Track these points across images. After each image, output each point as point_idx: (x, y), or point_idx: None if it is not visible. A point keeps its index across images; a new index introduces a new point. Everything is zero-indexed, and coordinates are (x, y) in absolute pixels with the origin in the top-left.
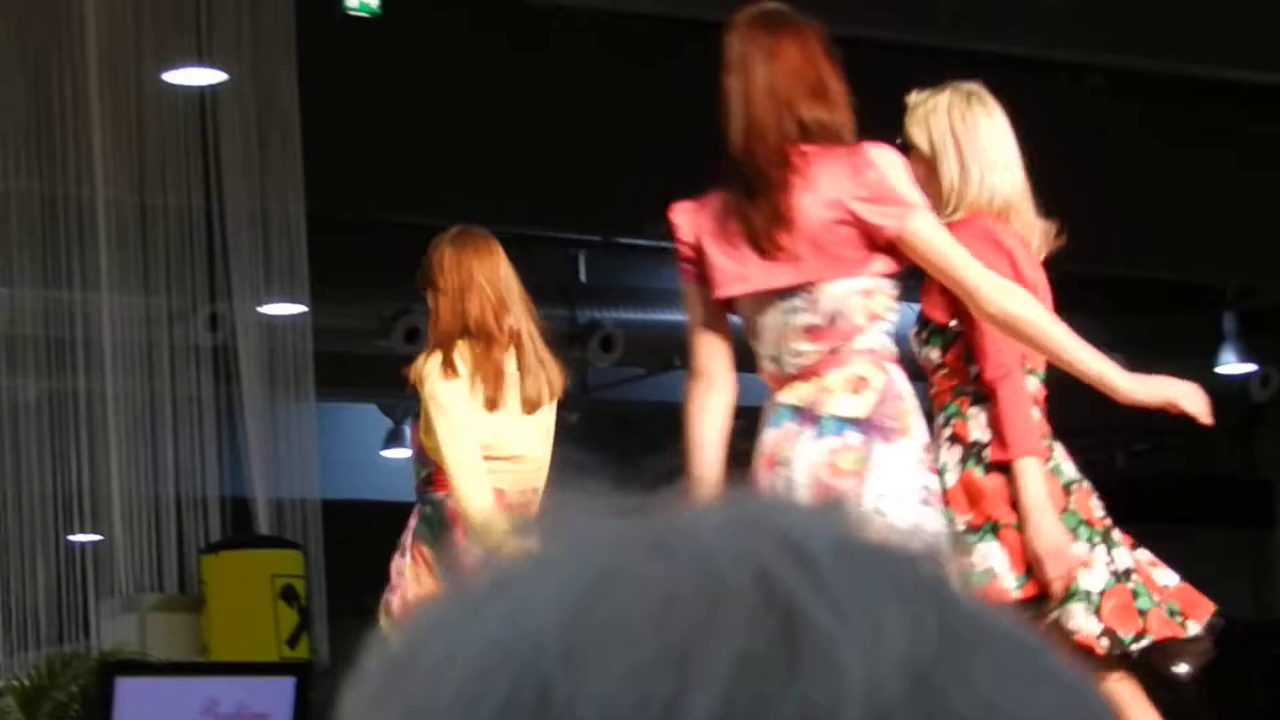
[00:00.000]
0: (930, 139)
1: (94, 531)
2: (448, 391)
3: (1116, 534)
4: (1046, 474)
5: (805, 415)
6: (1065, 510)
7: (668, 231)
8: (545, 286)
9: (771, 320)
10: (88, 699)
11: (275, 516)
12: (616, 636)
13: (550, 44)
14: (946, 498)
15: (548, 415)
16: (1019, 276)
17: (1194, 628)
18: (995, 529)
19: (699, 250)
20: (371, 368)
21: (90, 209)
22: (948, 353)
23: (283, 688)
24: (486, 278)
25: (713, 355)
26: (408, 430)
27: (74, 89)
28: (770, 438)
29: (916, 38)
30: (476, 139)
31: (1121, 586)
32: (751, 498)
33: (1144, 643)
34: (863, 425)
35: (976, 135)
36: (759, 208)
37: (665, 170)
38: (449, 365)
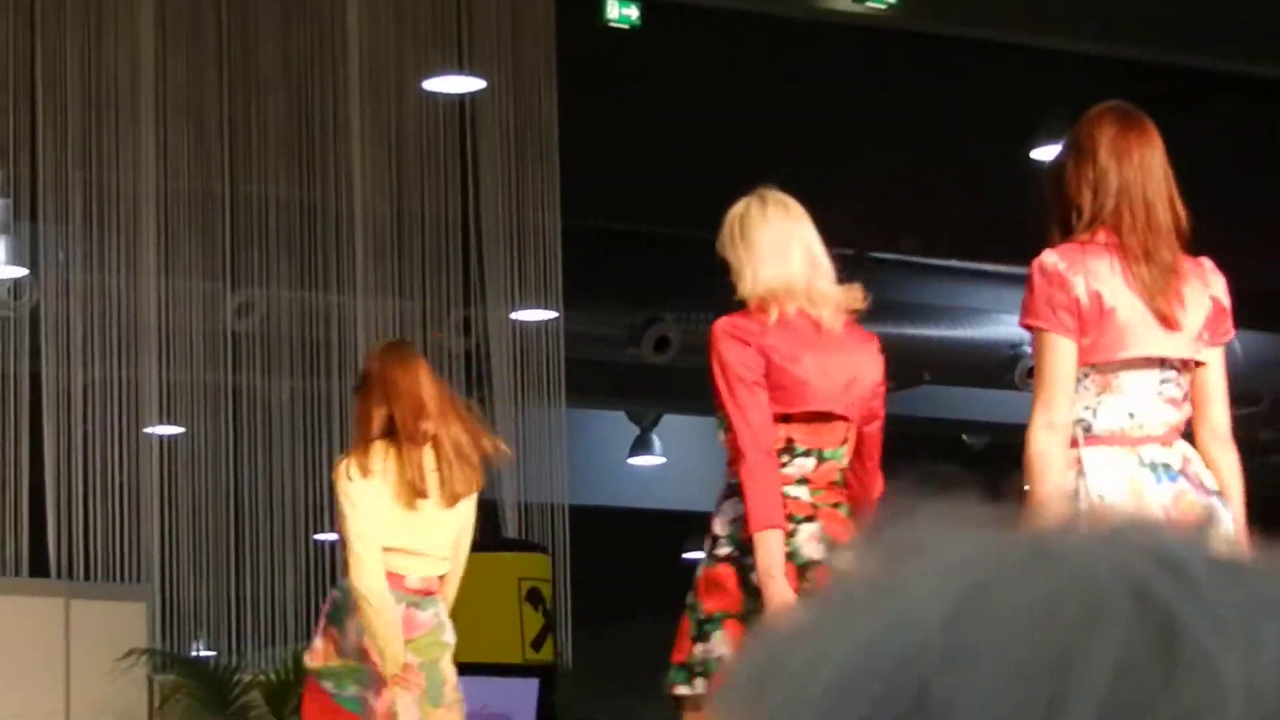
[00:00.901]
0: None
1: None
2: (357, 489)
3: None
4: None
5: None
6: (798, 590)
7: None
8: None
9: (1145, 383)
10: None
11: (523, 520)
12: (998, 639)
13: (814, 57)
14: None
15: (466, 509)
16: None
17: None
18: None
19: (1084, 304)
20: (620, 375)
21: (348, 215)
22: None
23: (526, 689)
24: (407, 387)
25: (1068, 409)
26: (655, 439)
27: (335, 98)
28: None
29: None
30: (733, 151)
31: None
32: (1122, 517)
33: None
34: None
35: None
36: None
37: (924, 188)
38: (363, 465)
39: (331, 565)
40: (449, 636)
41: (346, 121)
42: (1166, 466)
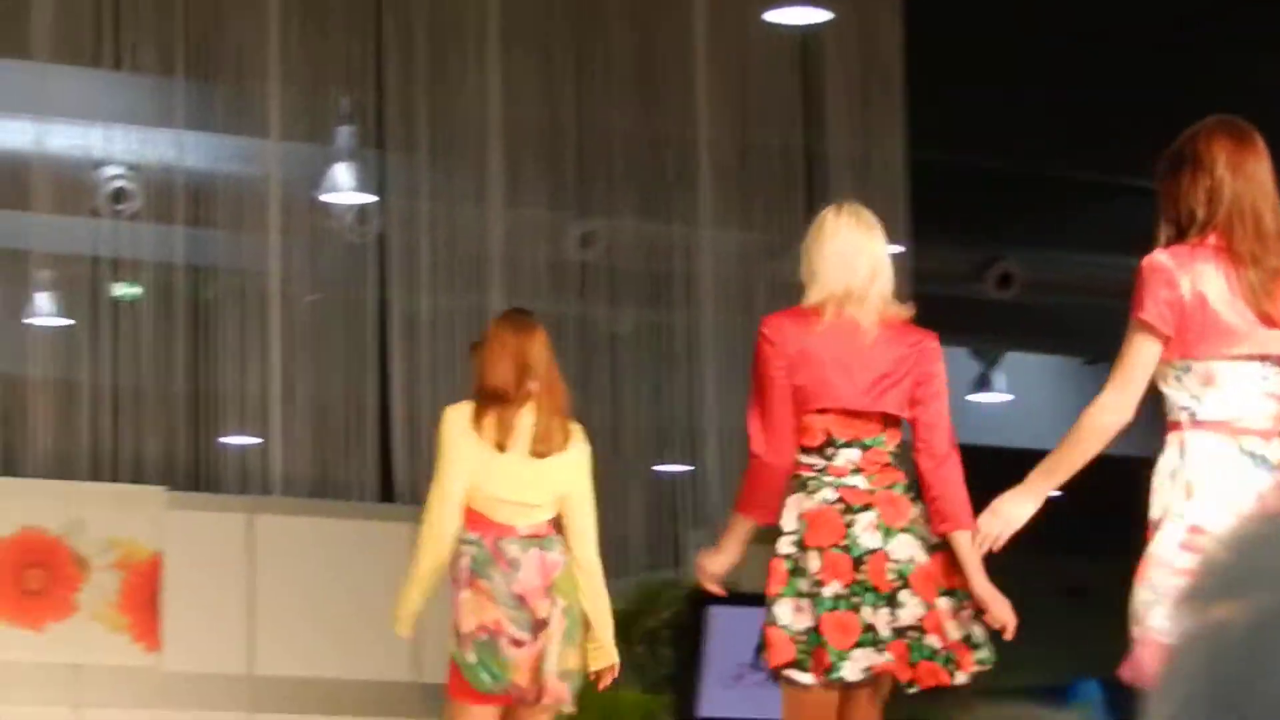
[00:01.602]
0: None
1: (687, 462)
2: (456, 440)
3: (903, 594)
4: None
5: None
6: (854, 581)
7: None
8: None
9: (1248, 378)
10: (679, 626)
11: None
12: None
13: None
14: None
15: (562, 461)
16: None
17: (960, 678)
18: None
19: (1188, 301)
20: (964, 312)
21: (692, 146)
22: None
23: None
24: (515, 348)
25: (1135, 396)
26: (998, 376)
27: (680, 28)
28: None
29: None
30: (1076, 89)
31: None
32: None
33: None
34: None
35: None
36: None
37: None
38: (468, 417)
39: (676, 498)
40: (576, 576)
41: (690, 52)
42: (1264, 459)
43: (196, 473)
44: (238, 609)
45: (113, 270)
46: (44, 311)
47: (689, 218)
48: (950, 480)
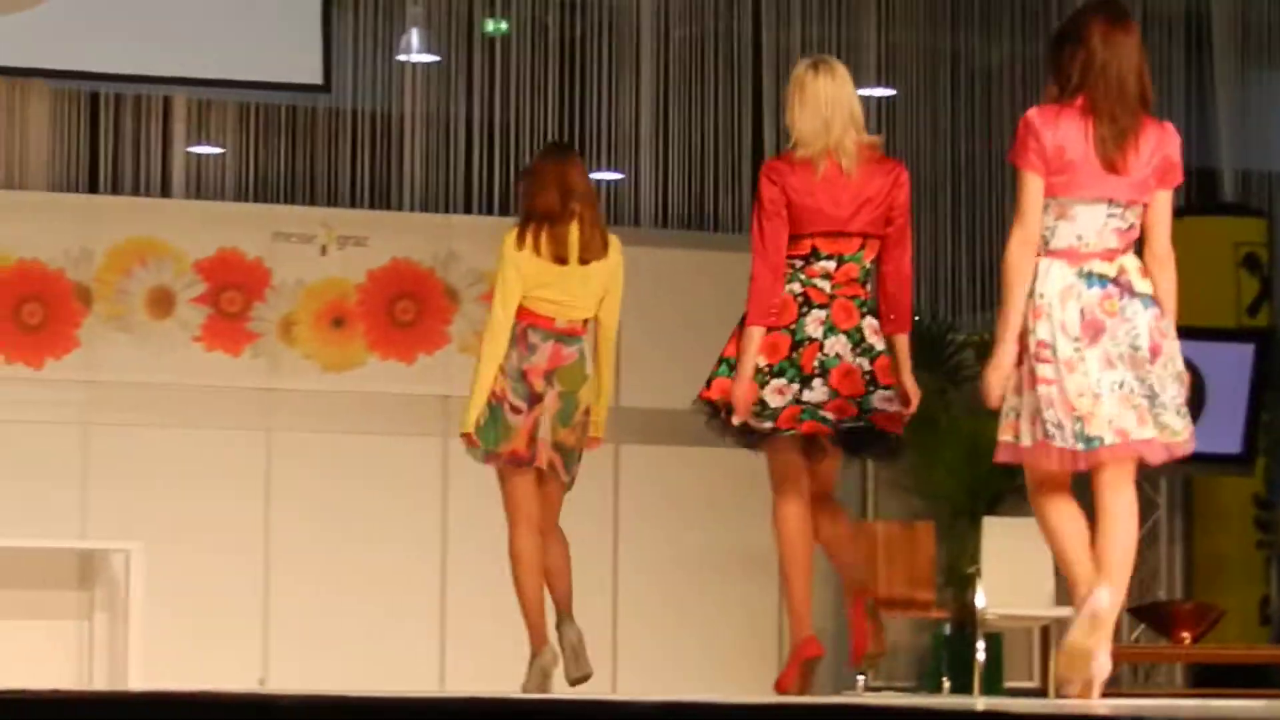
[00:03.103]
0: None
1: None
2: (511, 256)
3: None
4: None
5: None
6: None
7: None
8: None
9: (1094, 214)
10: None
11: (1240, 186)
12: None
13: None
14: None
15: (601, 268)
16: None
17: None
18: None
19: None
20: None
21: None
22: None
23: (1241, 354)
24: (556, 175)
25: (1037, 229)
26: None
27: None
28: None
29: None
30: None
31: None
32: None
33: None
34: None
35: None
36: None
37: None
38: (521, 237)
39: None
40: (590, 369)
41: None
42: (1102, 276)
43: None
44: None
45: (486, 6)
46: (416, 47)
47: None
48: (899, 293)
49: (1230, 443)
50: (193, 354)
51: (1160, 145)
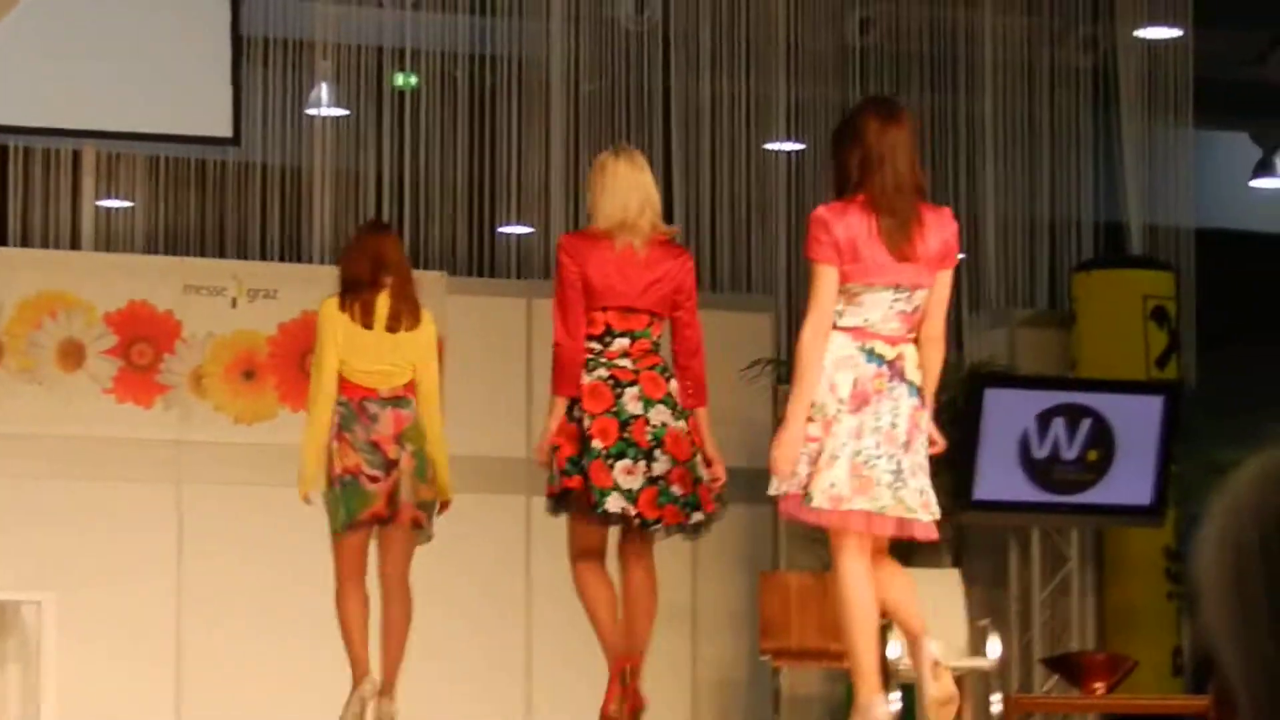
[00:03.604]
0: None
1: (964, 250)
2: (329, 324)
3: (657, 451)
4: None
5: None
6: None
7: None
8: None
9: (880, 300)
10: (955, 408)
11: (1148, 240)
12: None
13: None
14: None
15: (413, 337)
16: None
17: (697, 517)
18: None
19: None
20: (1245, 95)
21: None
22: None
23: (1150, 406)
24: (374, 250)
25: (829, 317)
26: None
27: None
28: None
29: None
30: None
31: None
32: None
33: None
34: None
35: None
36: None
37: None
38: (341, 303)
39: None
40: (424, 427)
41: None
42: (881, 356)
43: (476, 259)
44: (518, 392)
45: (395, 60)
46: (326, 101)
47: (971, 0)
48: (696, 368)
49: (1141, 494)
50: (104, 406)
51: (939, 230)
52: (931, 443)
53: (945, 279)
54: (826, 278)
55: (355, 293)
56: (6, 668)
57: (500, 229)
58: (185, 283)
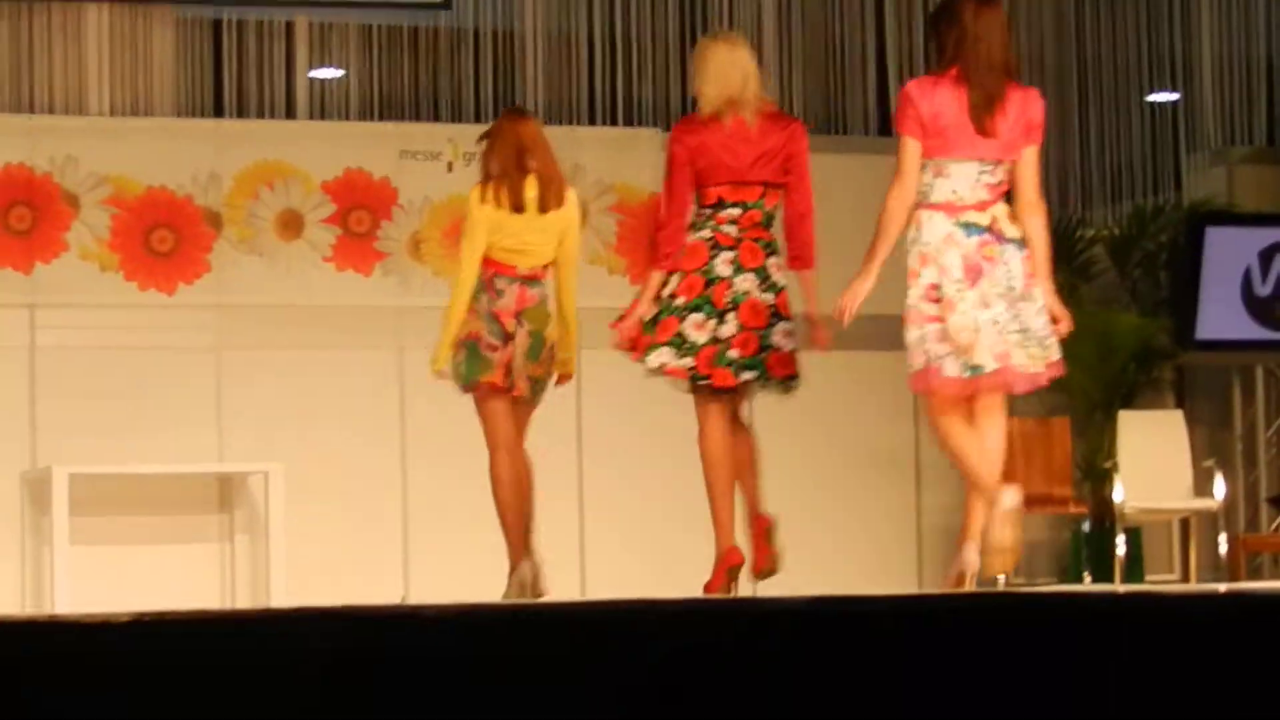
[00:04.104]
0: None
1: (1180, 90)
2: (475, 211)
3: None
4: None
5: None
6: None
7: None
8: None
9: (966, 172)
10: (1175, 248)
11: None
12: None
13: None
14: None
15: (557, 218)
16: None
17: (746, 375)
18: None
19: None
20: None
21: None
22: None
23: None
24: (514, 136)
25: (914, 187)
26: None
27: None
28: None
29: None
30: None
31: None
32: None
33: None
34: None
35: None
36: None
37: None
38: (482, 194)
39: (1173, 124)
40: (551, 308)
41: None
42: (977, 225)
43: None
44: None
45: None
46: None
47: None
48: (804, 232)
49: None
50: (324, 274)
51: (1025, 108)
52: (1055, 319)
53: (1030, 154)
54: (910, 149)
55: (503, 180)
56: (236, 538)
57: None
58: (400, 149)
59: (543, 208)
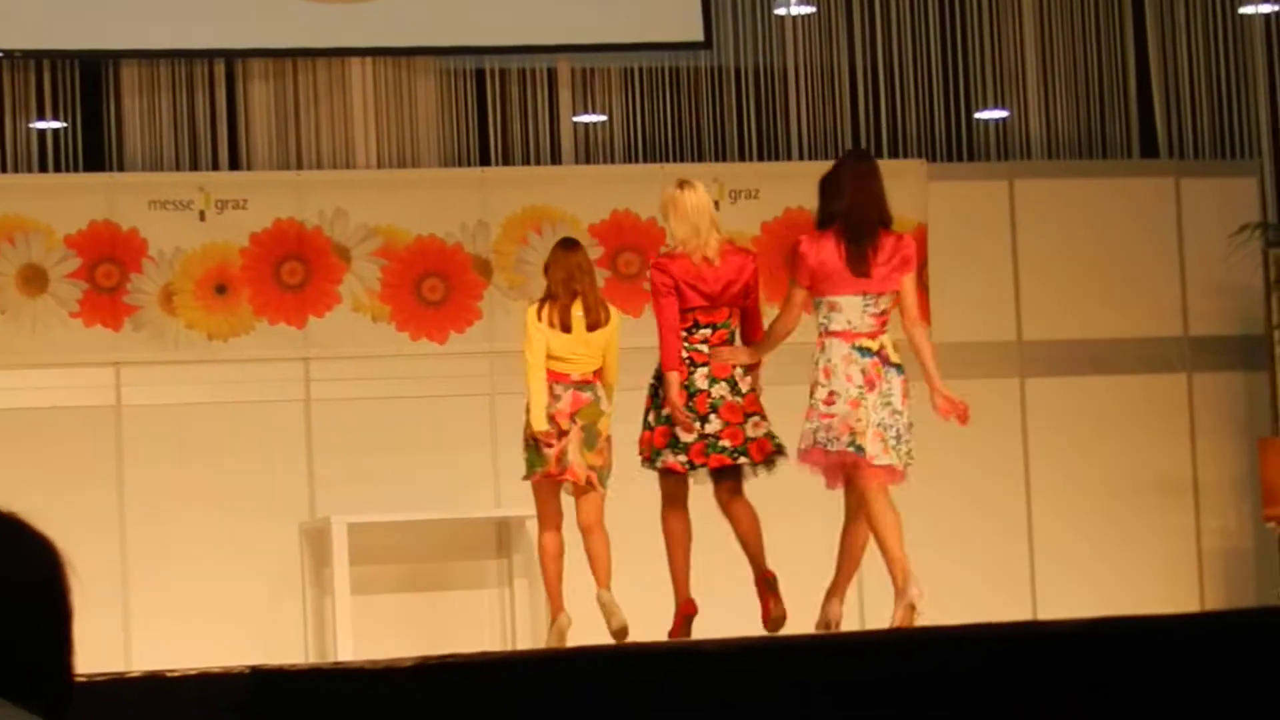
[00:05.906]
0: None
1: None
2: (534, 327)
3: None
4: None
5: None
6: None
7: None
8: None
9: (854, 305)
10: None
11: None
12: None
13: None
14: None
15: (604, 333)
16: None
17: (741, 460)
18: None
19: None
20: None
21: None
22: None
23: None
24: (564, 263)
25: (793, 325)
26: None
27: None
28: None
29: None
30: None
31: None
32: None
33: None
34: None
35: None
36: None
37: None
38: (539, 312)
39: None
40: (605, 407)
41: None
42: (868, 349)
43: (955, 145)
44: (1003, 276)
45: None
46: (795, 1)
47: None
48: (759, 335)
49: None
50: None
51: (896, 249)
52: (953, 403)
53: (908, 282)
54: (797, 294)
55: (553, 302)
56: (515, 582)
57: (977, 114)
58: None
59: (592, 325)
